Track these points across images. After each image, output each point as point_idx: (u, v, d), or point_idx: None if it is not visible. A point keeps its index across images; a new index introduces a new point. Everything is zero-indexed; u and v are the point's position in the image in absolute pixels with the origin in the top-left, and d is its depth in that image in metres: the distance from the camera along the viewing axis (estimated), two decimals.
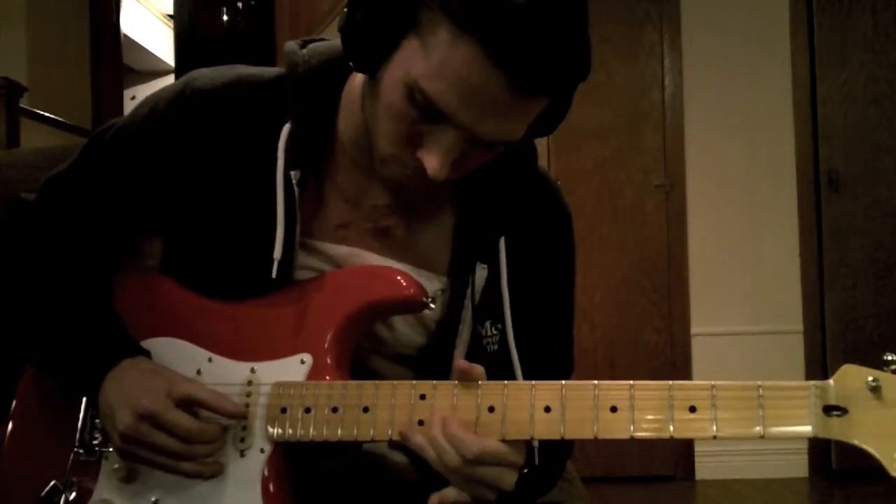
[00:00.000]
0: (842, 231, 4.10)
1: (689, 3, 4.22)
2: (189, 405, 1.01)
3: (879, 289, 4.07)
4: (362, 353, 1.10)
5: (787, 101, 4.16)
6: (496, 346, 1.10)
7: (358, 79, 1.03)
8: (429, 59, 0.89)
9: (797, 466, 4.03)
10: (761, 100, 4.16)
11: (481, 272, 1.08)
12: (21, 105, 3.88)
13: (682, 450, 4.07)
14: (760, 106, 4.16)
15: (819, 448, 3.98)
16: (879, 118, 4.12)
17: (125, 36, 5.87)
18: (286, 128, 1.05)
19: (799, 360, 4.08)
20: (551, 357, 1.16)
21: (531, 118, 0.94)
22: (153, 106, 1.09)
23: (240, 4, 6.18)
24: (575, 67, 0.91)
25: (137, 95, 6.49)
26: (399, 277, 1.05)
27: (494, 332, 1.10)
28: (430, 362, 1.09)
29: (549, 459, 1.08)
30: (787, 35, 4.18)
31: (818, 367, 4.03)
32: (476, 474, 0.94)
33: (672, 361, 4.12)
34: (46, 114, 4.21)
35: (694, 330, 4.16)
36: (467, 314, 1.08)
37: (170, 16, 7.22)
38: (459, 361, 0.97)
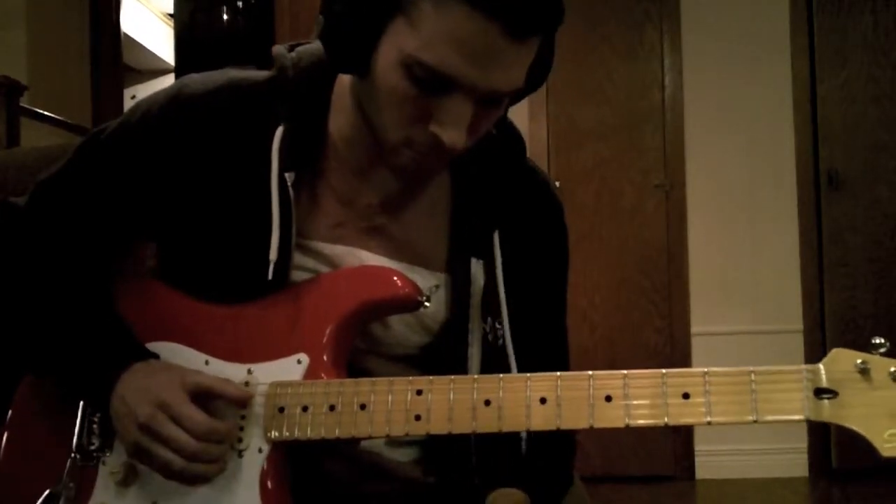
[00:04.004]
0: (842, 231, 4.10)
1: (689, 4, 4.23)
2: (200, 395, 1.01)
3: (879, 289, 4.07)
4: (359, 354, 1.09)
5: (787, 101, 4.16)
6: (501, 341, 1.10)
7: (346, 78, 1.04)
8: (421, 32, 0.91)
9: (797, 466, 4.03)
10: (761, 100, 4.16)
11: (477, 267, 1.08)
12: (21, 104, 3.87)
13: (682, 449, 4.07)
14: (760, 106, 4.16)
15: (819, 448, 3.99)
16: (879, 118, 4.12)
17: (125, 35, 5.86)
18: (279, 130, 1.05)
19: (799, 359, 4.08)
20: (549, 350, 1.16)
21: (528, 63, 0.96)
22: (146, 110, 1.09)
23: (240, 4, 6.17)
24: (559, 3, 0.94)
25: (137, 95, 6.48)
26: (395, 277, 1.05)
27: (498, 326, 1.10)
28: (441, 361, 1.08)
29: (555, 463, 1.10)
30: (787, 35, 4.18)
31: None
32: None
33: (672, 361, 4.11)
34: (46, 113, 4.20)
35: (694, 330, 4.16)
36: (475, 311, 1.08)
37: (170, 15, 7.21)
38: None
